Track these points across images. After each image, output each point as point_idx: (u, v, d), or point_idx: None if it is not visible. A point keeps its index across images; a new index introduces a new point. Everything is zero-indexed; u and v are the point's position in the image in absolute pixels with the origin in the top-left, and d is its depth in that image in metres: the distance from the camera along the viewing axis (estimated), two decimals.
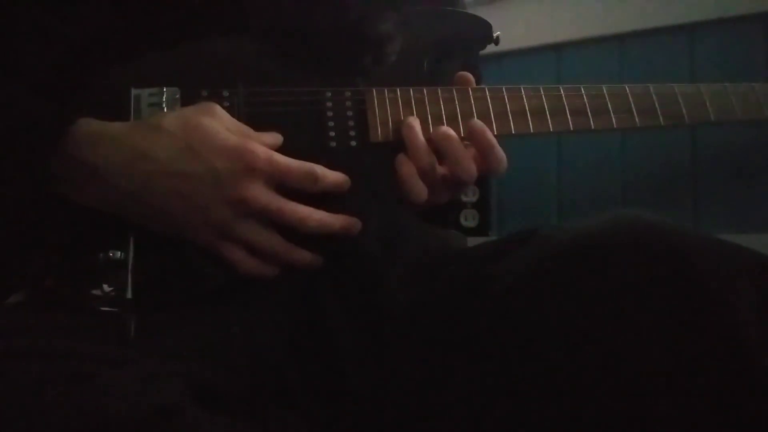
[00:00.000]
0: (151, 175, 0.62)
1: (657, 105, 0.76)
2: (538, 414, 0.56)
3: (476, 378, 0.61)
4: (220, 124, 0.63)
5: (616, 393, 0.53)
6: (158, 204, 0.62)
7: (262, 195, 0.63)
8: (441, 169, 0.68)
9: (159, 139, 0.62)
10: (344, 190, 0.66)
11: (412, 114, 0.70)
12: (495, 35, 0.76)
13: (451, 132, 0.68)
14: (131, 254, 0.62)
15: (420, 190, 0.67)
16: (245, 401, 0.61)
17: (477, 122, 0.69)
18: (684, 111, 0.77)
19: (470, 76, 0.74)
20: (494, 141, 0.69)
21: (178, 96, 0.66)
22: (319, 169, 0.65)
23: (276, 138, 0.66)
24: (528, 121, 0.72)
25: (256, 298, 0.67)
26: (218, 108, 0.65)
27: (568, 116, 0.73)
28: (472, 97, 0.72)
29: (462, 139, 0.69)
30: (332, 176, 0.66)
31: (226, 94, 0.67)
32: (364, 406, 0.66)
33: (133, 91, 0.66)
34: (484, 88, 0.73)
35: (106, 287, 0.62)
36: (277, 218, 0.64)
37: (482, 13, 0.78)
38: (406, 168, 0.67)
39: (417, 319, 0.68)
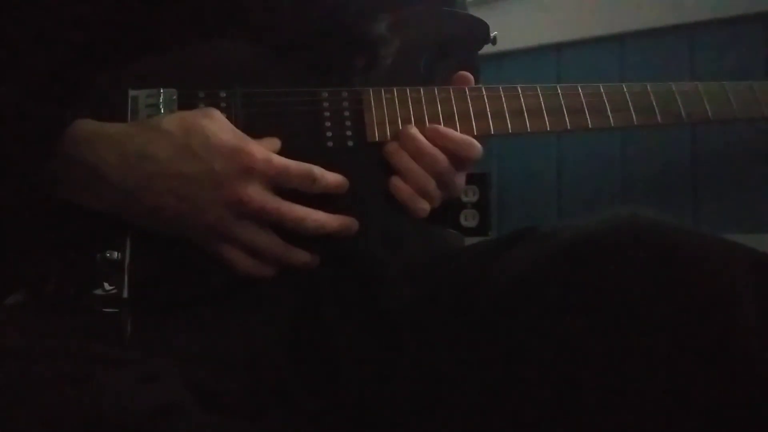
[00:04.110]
0: (149, 176, 0.62)
1: (655, 104, 0.76)
2: (538, 412, 0.56)
3: (476, 377, 0.61)
4: (218, 126, 0.64)
5: (616, 391, 0.53)
6: (156, 204, 0.62)
7: (260, 196, 0.63)
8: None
9: (157, 139, 0.62)
10: (343, 191, 0.66)
11: (409, 114, 0.70)
12: (492, 35, 0.76)
13: (413, 131, 0.70)
14: (128, 254, 0.63)
15: (423, 207, 0.69)
16: (245, 401, 0.61)
17: (429, 127, 0.70)
18: (682, 110, 0.77)
19: (469, 75, 0.74)
20: (449, 132, 0.70)
21: (175, 97, 0.66)
22: (318, 170, 0.65)
23: (274, 144, 0.66)
24: (525, 120, 0.72)
25: (255, 298, 0.67)
26: (217, 112, 0.65)
27: (566, 115, 0.73)
28: (469, 96, 0.72)
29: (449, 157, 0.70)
30: (331, 177, 0.66)
31: (223, 94, 0.67)
32: (363, 405, 0.66)
33: (131, 92, 0.66)
34: (481, 88, 0.73)
35: (104, 287, 0.62)
36: (274, 219, 0.64)
37: (482, 12, 0.78)
38: (405, 191, 0.69)
39: (416, 318, 0.68)
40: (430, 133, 0.70)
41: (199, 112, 0.65)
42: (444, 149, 0.70)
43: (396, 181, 0.69)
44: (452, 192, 0.73)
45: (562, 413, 0.55)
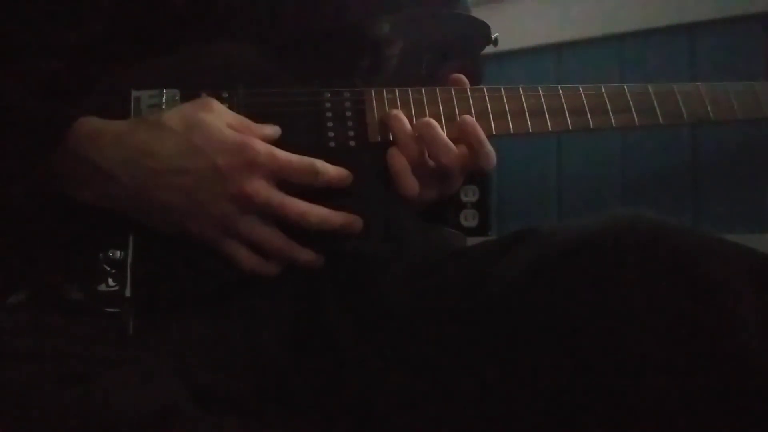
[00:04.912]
0: (152, 172, 0.62)
1: (656, 104, 0.76)
2: (537, 412, 0.56)
3: (476, 376, 0.61)
4: (219, 119, 0.64)
5: (616, 392, 0.53)
6: (160, 201, 0.62)
7: (263, 190, 0.63)
8: (429, 162, 0.69)
9: (160, 136, 0.63)
10: (346, 185, 0.66)
11: (411, 114, 0.70)
12: (493, 36, 0.76)
13: (432, 121, 0.69)
14: (130, 253, 0.63)
15: (412, 184, 0.68)
16: (245, 401, 0.61)
17: (469, 118, 0.70)
18: (683, 110, 0.77)
19: (463, 78, 0.74)
20: (484, 137, 0.69)
21: (177, 97, 0.66)
22: (320, 164, 0.65)
23: (274, 129, 0.66)
24: (527, 120, 0.72)
25: (257, 296, 0.67)
26: (216, 103, 0.65)
27: (567, 116, 0.73)
28: (470, 97, 0.72)
29: (455, 141, 0.69)
30: (333, 171, 0.66)
31: (225, 95, 0.67)
32: (364, 405, 0.66)
33: (133, 93, 0.66)
34: (482, 88, 0.73)
35: (106, 286, 0.62)
36: (278, 213, 0.64)
37: (482, 13, 0.78)
38: (399, 162, 0.68)
39: (417, 317, 0.68)
40: (465, 123, 0.70)
41: (198, 104, 0.65)
42: (470, 147, 0.69)
43: (393, 150, 0.68)
44: (449, 186, 0.72)
45: (562, 413, 0.55)
